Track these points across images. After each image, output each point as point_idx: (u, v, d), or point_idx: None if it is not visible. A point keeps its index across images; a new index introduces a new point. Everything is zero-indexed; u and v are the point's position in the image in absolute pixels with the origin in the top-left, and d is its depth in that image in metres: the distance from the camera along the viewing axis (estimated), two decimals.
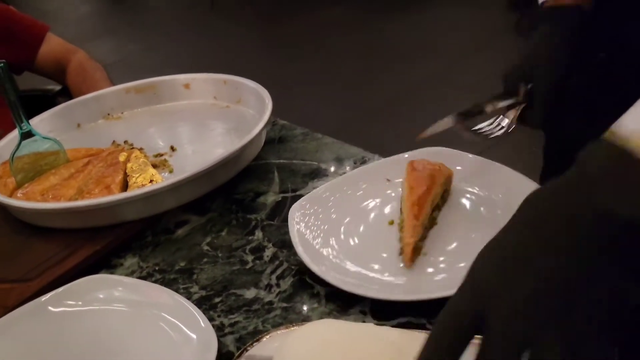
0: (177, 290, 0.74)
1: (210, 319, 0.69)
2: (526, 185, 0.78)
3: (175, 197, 0.89)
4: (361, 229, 0.81)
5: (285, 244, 0.81)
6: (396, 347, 0.58)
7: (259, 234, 0.85)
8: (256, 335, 0.67)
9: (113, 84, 1.35)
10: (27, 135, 0.97)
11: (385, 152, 0.98)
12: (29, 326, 0.71)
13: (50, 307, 0.73)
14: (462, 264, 0.72)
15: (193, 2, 5.34)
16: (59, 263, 0.82)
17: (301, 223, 0.80)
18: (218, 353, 0.62)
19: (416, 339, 0.58)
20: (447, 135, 0.80)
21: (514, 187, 0.79)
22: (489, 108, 0.80)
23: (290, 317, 0.70)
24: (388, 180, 0.87)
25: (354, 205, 0.85)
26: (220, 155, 0.90)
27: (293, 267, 0.77)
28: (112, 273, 0.81)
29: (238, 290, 0.75)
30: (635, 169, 0.40)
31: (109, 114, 1.22)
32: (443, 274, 0.72)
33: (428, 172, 0.81)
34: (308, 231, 0.79)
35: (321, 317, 0.68)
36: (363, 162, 0.97)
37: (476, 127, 0.84)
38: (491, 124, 0.83)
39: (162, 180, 0.95)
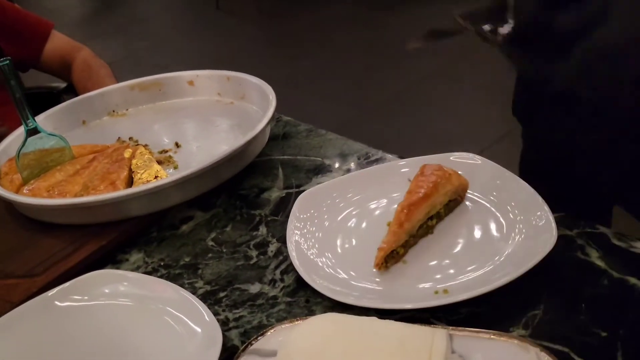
0: (182, 285, 0.75)
1: (215, 314, 0.69)
2: (543, 210, 0.74)
3: (180, 193, 0.90)
4: (363, 225, 0.82)
5: None
6: (399, 341, 0.58)
7: (263, 229, 0.86)
8: (260, 329, 0.67)
9: (118, 81, 1.36)
10: (32, 132, 0.98)
11: (389, 149, 0.98)
12: (36, 321, 0.72)
13: (56, 302, 0.74)
14: (426, 285, 0.70)
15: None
16: (64, 258, 0.82)
17: (301, 216, 0.81)
18: (223, 347, 0.63)
19: (419, 333, 0.59)
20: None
21: (529, 209, 0.75)
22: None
23: (294, 312, 0.71)
24: (409, 180, 0.83)
25: (360, 203, 0.85)
26: (224, 151, 0.90)
27: None
28: (117, 268, 0.82)
29: (242, 285, 0.76)
30: None
31: (113, 111, 1.22)
32: (410, 288, 0.70)
33: (433, 179, 0.79)
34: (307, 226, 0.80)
35: (325, 312, 0.68)
36: (367, 157, 0.98)
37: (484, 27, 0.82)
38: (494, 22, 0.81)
39: (167, 176, 0.95)
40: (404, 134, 2.68)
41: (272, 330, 0.64)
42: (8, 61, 0.92)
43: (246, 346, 0.63)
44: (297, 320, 0.65)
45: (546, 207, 0.74)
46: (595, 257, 0.71)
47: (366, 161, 0.97)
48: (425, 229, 0.78)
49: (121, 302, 0.73)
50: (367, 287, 0.71)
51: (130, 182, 0.96)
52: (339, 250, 0.78)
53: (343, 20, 4.35)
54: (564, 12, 0.86)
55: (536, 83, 1.01)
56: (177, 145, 1.08)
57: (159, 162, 1.01)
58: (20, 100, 0.94)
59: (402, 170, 0.88)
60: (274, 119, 1.12)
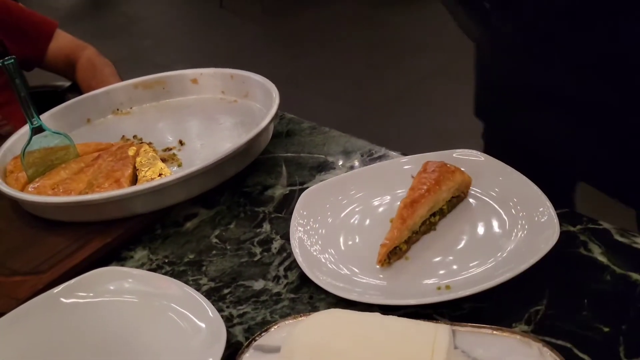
0: (186, 282, 0.75)
1: (219, 310, 0.70)
2: (545, 206, 0.74)
3: (184, 190, 0.90)
4: (366, 222, 0.82)
5: None
6: (402, 336, 0.58)
7: (266, 226, 0.86)
8: (264, 325, 0.68)
9: (122, 79, 1.36)
10: (37, 130, 0.98)
11: (391, 147, 0.98)
12: (42, 318, 0.72)
13: (62, 299, 0.74)
14: (429, 281, 0.70)
15: None
16: (70, 256, 0.83)
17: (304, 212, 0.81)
18: (227, 343, 0.63)
19: (422, 328, 0.59)
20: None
21: (532, 205, 0.75)
22: None
23: (297, 308, 0.71)
24: (412, 177, 0.83)
25: (364, 200, 0.85)
26: (228, 148, 0.90)
27: None
28: (122, 265, 0.83)
29: (246, 282, 0.76)
30: None
31: (118, 109, 1.23)
32: (412, 284, 0.71)
33: (435, 176, 0.79)
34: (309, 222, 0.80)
35: (328, 308, 0.68)
36: (370, 155, 0.98)
37: None
38: None
39: (171, 174, 0.95)
40: (406, 131, 2.68)
41: (275, 326, 0.65)
42: (13, 60, 0.92)
43: (250, 342, 0.63)
44: (301, 316, 0.65)
45: (549, 203, 0.74)
46: (597, 253, 0.71)
47: (369, 158, 0.97)
48: (427, 225, 0.78)
49: (126, 299, 0.74)
50: (370, 283, 0.72)
51: (134, 180, 0.97)
52: (342, 247, 0.78)
53: (345, 19, 4.35)
54: None
55: (498, 78, 1.05)
56: (181, 143, 1.08)
57: (163, 160, 1.02)
58: (25, 98, 0.95)
59: (405, 167, 0.88)
60: (278, 117, 1.12)
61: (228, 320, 0.70)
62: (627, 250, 0.71)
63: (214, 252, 0.83)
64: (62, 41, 1.50)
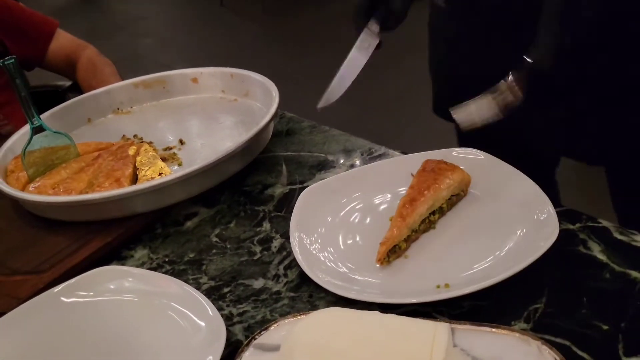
0: (186, 281, 0.75)
1: (219, 309, 0.70)
2: (545, 204, 0.74)
3: (184, 189, 0.90)
4: (366, 220, 0.82)
5: None
6: (402, 335, 0.59)
7: (266, 225, 0.86)
8: (264, 324, 0.68)
9: (122, 79, 1.36)
10: (38, 130, 0.98)
11: (392, 145, 0.98)
12: (42, 317, 0.73)
13: (62, 298, 0.74)
14: (428, 279, 0.70)
15: None
16: (70, 255, 0.83)
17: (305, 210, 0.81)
18: (227, 341, 0.63)
19: (421, 326, 0.59)
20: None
21: (531, 203, 0.75)
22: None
23: (297, 306, 0.71)
24: (412, 175, 0.83)
25: (364, 198, 0.85)
26: (228, 147, 0.91)
27: None
28: (122, 264, 0.83)
29: (246, 281, 0.76)
30: None
31: (118, 109, 1.23)
32: (411, 282, 0.71)
33: (435, 174, 0.79)
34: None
35: (328, 306, 0.69)
36: (370, 153, 0.98)
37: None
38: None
39: (171, 173, 0.96)
40: (406, 131, 2.68)
41: (275, 325, 0.65)
42: (13, 60, 0.92)
43: (250, 340, 0.64)
44: (301, 314, 0.66)
45: (548, 202, 0.74)
46: (597, 251, 0.71)
47: (369, 157, 0.97)
48: (427, 223, 0.78)
49: (126, 298, 0.74)
50: (370, 282, 0.72)
51: (134, 179, 0.97)
52: (342, 246, 0.78)
53: (345, 19, 4.33)
54: None
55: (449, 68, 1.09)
56: (181, 142, 1.08)
57: (163, 159, 1.02)
58: (26, 98, 0.95)
59: (405, 165, 0.88)
60: (278, 116, 1.12)
61: (228, 319, 0.70)
62: (626, 248, 0.71)
63: (214, 251, 0.83)
64: (63, 41, 1.50)
